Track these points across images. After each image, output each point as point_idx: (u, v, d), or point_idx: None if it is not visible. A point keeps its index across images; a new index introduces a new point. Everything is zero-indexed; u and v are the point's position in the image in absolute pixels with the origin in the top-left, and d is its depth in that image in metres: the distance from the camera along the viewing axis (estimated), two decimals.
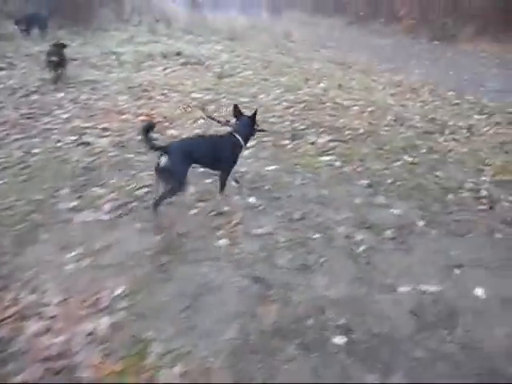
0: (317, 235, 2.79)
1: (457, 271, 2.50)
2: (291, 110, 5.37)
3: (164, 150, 2.75)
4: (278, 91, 6.29)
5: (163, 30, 11.68)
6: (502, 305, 2.23)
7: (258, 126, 3.16)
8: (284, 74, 7.47)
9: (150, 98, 5.77)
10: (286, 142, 4.32)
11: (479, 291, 2.33)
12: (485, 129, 5.13)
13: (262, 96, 6.03)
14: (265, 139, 4.38)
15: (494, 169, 3.88)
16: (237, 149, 3.04)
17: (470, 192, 3.49)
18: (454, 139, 4.67)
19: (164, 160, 2.71)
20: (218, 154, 2.96)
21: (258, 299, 2.20)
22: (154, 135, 2.89)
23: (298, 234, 2.80)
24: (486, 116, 5.62)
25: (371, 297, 2.26)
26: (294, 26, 19.09)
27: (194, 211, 3.07)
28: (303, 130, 4.69)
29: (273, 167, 3.74)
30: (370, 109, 5.64)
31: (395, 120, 5.24)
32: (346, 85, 6.95)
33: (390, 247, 2.70)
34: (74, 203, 3.07)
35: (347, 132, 4.65)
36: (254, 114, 3.07)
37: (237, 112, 3.13)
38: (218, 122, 3.38)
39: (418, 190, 3.46)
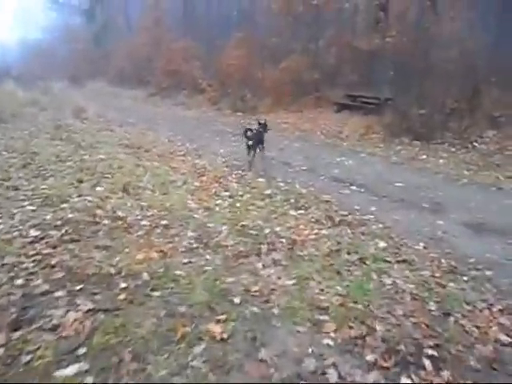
0: None
1: None
2: (39, 247, 3.41)
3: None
4: (28, 208, 4.25)
5: None
6: None
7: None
8: (48, 175, 5.42)
9: None
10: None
11: None
12: (306, 232, 4.14)
13: None
14: None
15: (334, 317, 2.71)
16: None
17: None
18: (274, 262, 3.45)
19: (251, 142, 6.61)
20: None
21: None
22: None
23: None
24: (303, 211, 4.73)
25: None
26: (93, 98, 17.29)
27: None
28: (45, 294, 2.78)
29: None
30: (164, 222, 4.12)
31: (198, 238, 3.82)
32: (136, 183, 5.30)
33: None
34: None
35: (122, 285, 2.92)
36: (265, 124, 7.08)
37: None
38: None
39: None
